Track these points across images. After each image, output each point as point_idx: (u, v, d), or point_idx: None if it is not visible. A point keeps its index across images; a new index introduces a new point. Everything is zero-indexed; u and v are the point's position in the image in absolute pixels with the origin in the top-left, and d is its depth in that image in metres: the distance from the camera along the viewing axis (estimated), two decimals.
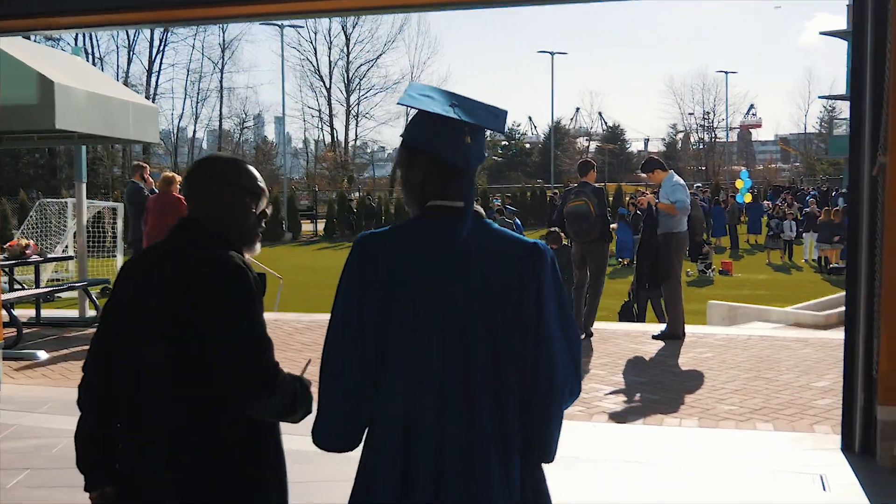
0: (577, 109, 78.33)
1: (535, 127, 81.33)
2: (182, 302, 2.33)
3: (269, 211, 2.63)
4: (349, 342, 2.26)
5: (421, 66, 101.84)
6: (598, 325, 9.85)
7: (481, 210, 2.36)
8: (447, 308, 2.22)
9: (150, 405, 2.37)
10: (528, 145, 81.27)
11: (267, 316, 2.49)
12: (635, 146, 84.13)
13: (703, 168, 70.02)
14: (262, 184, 2.59)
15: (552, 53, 58.30)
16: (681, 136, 77.77)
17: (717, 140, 74.71)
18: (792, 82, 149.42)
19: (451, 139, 2.27)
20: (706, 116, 73.46)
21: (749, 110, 77.54)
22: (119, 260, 17.59)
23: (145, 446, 2.39)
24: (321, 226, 39.43)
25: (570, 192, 9.85)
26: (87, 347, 2.61)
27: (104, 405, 2.47)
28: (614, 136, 79.17)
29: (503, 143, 77.51)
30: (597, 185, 9.98)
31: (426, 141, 2.31)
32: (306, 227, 39.73)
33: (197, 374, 2.33)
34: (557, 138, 64.27)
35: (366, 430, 2.34)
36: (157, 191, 11.19)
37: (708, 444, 5.72)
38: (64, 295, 13.17)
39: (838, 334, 10.43)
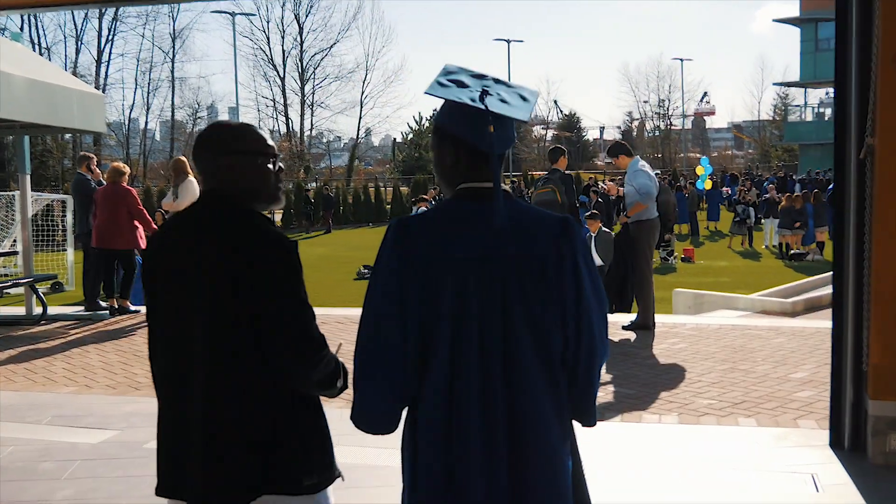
0: None
1: None
2: (228, 279, 2.34)
3: (282, 165, 2.63)
4: (391, 324, 2.30)
5: (376, 54, 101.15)
6: None
7: (510, 189, 2.43)
8: (487, 282, 2.28)
9: (193, 382, 2.39)
10: None
11: None
12: (591, 134, 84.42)
13: (660, 156, 70.30)
14: (271, 142, 2.60)
15: (508, 41, 58.07)
16: (636, 123, 78.06)
17: (673, 128, 75.07)
18: (745, 70, 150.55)
19: (475, 126, 2.32)
20: (661, 104, 73.81)
21: (703, 98, 77.90)
22: (70, 254, 17.00)
23: (183, 424, 2.42)
24: (278, 217, 38.80)
25: (539, 180, 9.59)
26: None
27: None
28: (570, 123, 79.29)
29: None
30: (566, 172, 9.69)
31: (453, 126, 2.38)
32: None
33: (244, 349, 2.36)
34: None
35: (405, 410, 2.40)
36: (104, 182, 10.74)
37: (691, 443, 5.47)
38: (12, 291, 12.64)
39: (809, 322, 10.34)
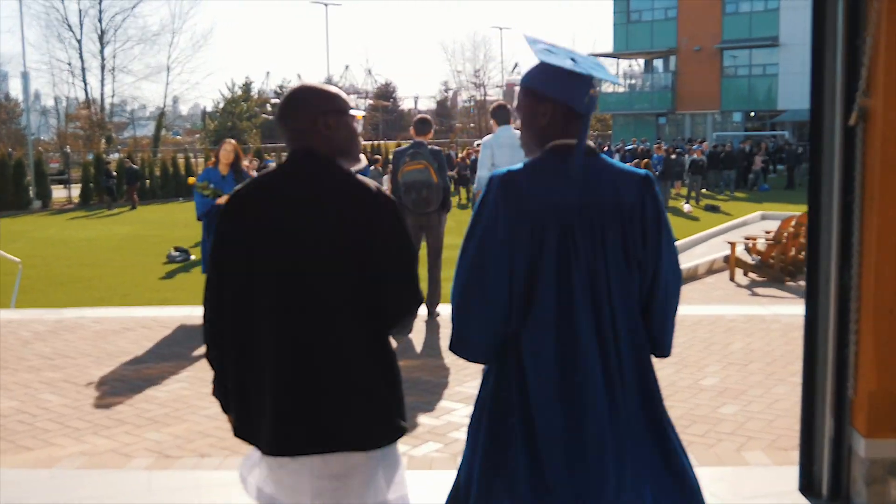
0: (347, 67, 76.57)
1: None
2: (352, 235, 2.42)
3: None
4: (499, 265, 2.46)
5: (183, 16, 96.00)
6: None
7: (593, 145, 2.55)
8: (588, 225, 2.49)
9: (311, 331, 2.44)
10: None
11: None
12: (406, 104, 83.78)
13: (473, 125, 70.16)
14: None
15: (326, 4, 55.97)
16: (451, 94, 77.82)
17: (488, 97, 75.04)
18: (559, 39, 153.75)
19: (575, 90, 2.53)
20: (476, 74, 73.55)
21: (514, 68, 78.22)
22: None
23: (303, 383, 2.43)
24: (76, 192, 35.33)
25: (403, 154, 7.98)
26: None
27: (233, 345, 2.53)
28: (387, 93, 78.25)
29: (273, 100, 74.56)
30: (433, 146, 8.22)
31: (556, 91, 2.55)
32: (58, 193, 35.40)
33: (361, 296, 2.46)
34: None
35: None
36: None
37: None
38: None
39: (686, 309, 9.33)
